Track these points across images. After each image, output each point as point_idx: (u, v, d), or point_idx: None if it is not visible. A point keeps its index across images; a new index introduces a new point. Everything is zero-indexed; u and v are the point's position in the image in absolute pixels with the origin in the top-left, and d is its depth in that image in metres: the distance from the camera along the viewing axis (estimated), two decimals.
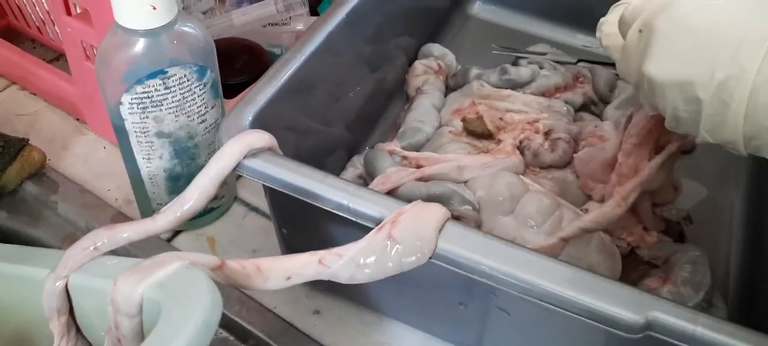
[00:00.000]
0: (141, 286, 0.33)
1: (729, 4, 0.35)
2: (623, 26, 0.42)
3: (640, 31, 0.39)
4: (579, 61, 0.71)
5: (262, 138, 0.41)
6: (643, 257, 0.52)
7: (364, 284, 0.47)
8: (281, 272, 0.37)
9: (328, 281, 0.51)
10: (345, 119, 0.59)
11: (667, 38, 0.37)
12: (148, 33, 0.45)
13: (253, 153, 0.41)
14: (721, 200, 0.60)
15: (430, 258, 0.37)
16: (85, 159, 0.62)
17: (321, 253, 0.38)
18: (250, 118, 0.44)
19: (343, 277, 0.38)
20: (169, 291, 0.32)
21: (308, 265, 0.37)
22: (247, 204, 0.59)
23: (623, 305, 0.35)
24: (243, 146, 0.41)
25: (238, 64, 0.66)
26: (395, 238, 0.37)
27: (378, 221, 0.39)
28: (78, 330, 0.41)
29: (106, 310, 0.35)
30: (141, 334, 0.34)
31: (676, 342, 0.34)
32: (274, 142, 0.42)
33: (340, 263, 0.37)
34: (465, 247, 0.37)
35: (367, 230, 0.39)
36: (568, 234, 0.47)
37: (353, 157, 0.59)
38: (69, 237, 0.55)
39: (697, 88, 0.35)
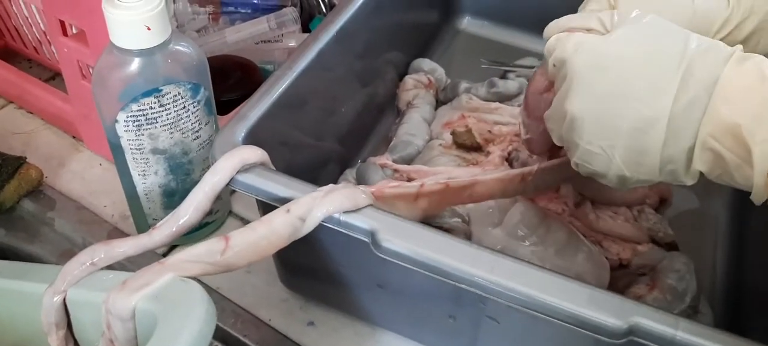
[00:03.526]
0: (135, 297, 0.34)
1: (633, 38, 0.38)
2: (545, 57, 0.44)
3: (554, 65, 0.42)
4: None
5: (255, 153, 0.42)
6: (631, 267, 0.53)
7: (357, 296, 0.48)
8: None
9: (323, 293, 0.52)
10: (337, 134, 0.60)
11: (582, 79, 0.39)
12: (143, 52, 0.46)
13: (246, 168, 0.42)
14: (706, 208, 0.61)
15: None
16: (82, 176, 0.63)
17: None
18: (243, 134, 0.45)
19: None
20: (164, 303, 0.33)
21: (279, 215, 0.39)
22: (241, 218, 0.60)
23: (606, 311, 0.36)
24: (236, 162, 0.42)
25: (231, 81, 0.67)
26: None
27: (368, 233, 0.40)
28: (76, 344, 0.41)
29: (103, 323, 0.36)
30: (134, 339, 0.35)
31: None
32: (267, 157, 0.43)
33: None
34: (453, 257, 0.38)
35: (359, 241, 0.40)
36: (527, 171, 0.49)
37: (345, 170, 0.60)
38: (66, 253, 0.56)
39: (616, 120, 0.38)
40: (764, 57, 0.36)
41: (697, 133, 0.36)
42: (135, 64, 0.46)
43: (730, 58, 0.36)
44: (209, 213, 0.55)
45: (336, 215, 0.40)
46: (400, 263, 0.39)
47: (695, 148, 0.37)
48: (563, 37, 0.41)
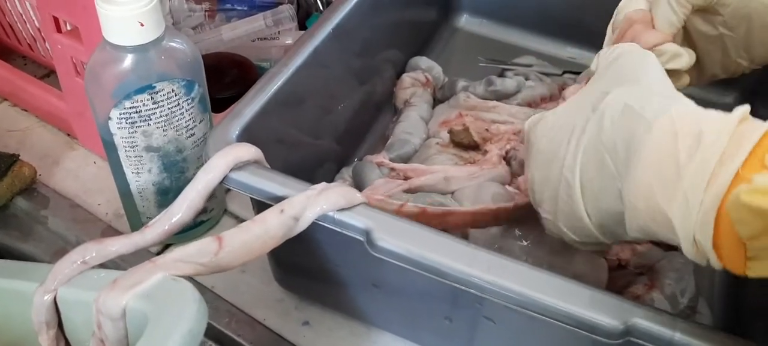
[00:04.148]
0: (125, 296, 0.33)
1: (568, 108, 0.40)
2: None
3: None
4: (565, 72, 0.72)
5: (249, 151, 0.42)
6: (629, 267, 0.53)
7: (353, 295, 0.48)
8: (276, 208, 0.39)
9: (318, 293, 0.52)
10: (334, 132, 0.60)
11: (533, 147, 0.42)
12: (136, 49, 0.45)
13: (240, 166, 0.42)
14: None
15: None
16: (76, 174, 0.63)
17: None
18: (238, 132, 0.45)
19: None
20: (155, 302, 0.33)
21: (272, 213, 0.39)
22: (236, 217, 0.59)
23: (603, 311, 0.35)
24: (230, 159, 0.41)
25: (227, 79, 0.66)
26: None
27: (363, 232, 0.39)
28: (67, 343, 0.41)
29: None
30: (124, 339, 0.34)
31: None
32: (261, 154, 0.43)
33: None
34: (449, 256, 0.38)
35: (354, 240, 0.40)
36: (503, 208, 0.49)
37: (342, 169, 0.60)
38: (59, 252, 0.56)
39: (553, 186, 0.39)
40: (693, 107, 0.34)
41: (622, 200, 0.35)
42: (128, 61, 0.46)
43: (638, 120, 0.34)
44: (204, 212, 0.55)
45: (330, 214, 0.40)
46: (395, 262, 0.39)
47: (625, 218, 0.35)
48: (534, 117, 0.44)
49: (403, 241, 0.39)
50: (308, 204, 0.39)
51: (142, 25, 0.44)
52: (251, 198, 0.43)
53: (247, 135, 0.45)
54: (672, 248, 0.53)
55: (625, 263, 0.53)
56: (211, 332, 0.51)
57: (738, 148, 0.29)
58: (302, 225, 0.39)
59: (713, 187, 0.29)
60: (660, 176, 0.32)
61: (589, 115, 0.37)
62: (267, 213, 0.39)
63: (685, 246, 0.31)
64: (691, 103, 0.34)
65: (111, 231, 0.57)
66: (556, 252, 0.50)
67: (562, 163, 0.38)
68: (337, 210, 0.39)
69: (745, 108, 0.31)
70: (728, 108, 0.61)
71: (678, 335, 0.34)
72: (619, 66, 0.39)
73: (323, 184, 0.40)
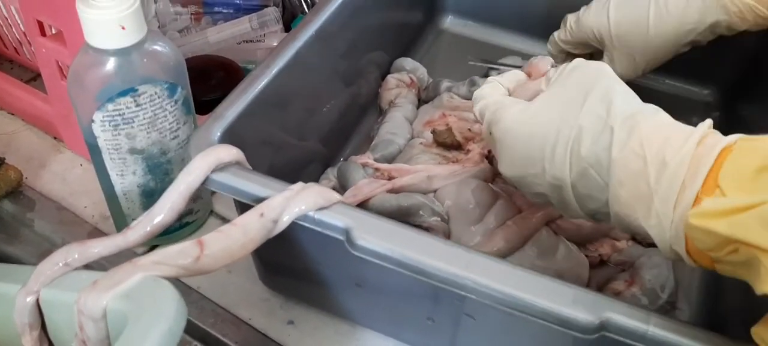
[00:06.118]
0: (105, 297, 0.34)
1: (538, 114, 0.41)
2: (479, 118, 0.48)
3: (490, 133, 0.45)
4: None
5: (230, 152, 0.42)
6: (610, 263, 0.54)
7: (336, 294, 0.48)
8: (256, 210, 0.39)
9: (303, 292, 0.52)
10: (319, 133, 0.60)
11: (503, 146, 0.43)
12: (119, 52, 0.46)
13: (222, 167, 0.42)
14: None
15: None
16: (62, 177, 0.63)
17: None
18: (220, 133, 0.45)
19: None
20: (135, 302, 0.33)
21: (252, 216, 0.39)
22: (222, 218, 0.60)
23: (578, 306, 0.36)
24: (211, 161, 0.42)
25: (213, 81, 0.67)
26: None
27: (343, 231, 0.40)
28: (51, 345, 0.41)
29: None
30: (106, 339, 0.35)
31: (630, 342, 0.35)
32: (242, 156, 0.43)
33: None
34: (428, 254, 0.38)
35: (334, 240, 0.40)
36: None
37: (327, 169, 0.61)
38: (45, 254, 0.54)
39: (534, 186, 0.42)
40: (659, 120, 0.37)
41: (606, 202, 0.38)
42: (110, 64, 0.46)
43: (612, 139, 0.37)
44: (189, 213, 0.56)
45: (310, 213, 0.40)
46: (375, 260, 0.39)
47: (611, 219, 0.39)
48: (490, 104, 0.45)
49: (383, 239, 0.39)
50: (287, 205, 0.39)
51: (123, 28, 0.44)
52: (234, 199, 0.43)
53: (230, 137, 0.46)
54: (652, 244, 0.54)
55: (606, 259, 0.54)
56: (196, 333, 0.51)
57: (696, 173, 0.33)
58: (281, 226, 0.39)
59: (679, 208, 0.33)
60: (635, 194, 0.35)
61: (570, 126, 0.39)
62: (247, 216, 0.39)
63: (663, 251, 0.35)
64: (657, 115, 0.37)
65: (97, 233, 0.58)
66: (538, 250, 0.51)
67: (542, 169, 0.40)
68: (316, 209, 0.40)
69: (706, 125, 0.35)
70: (707, 105, 0.62)
71: (651, 329, 0.35)
72: (579, 75, 0.41)
73: (300, 184, 0.41)
